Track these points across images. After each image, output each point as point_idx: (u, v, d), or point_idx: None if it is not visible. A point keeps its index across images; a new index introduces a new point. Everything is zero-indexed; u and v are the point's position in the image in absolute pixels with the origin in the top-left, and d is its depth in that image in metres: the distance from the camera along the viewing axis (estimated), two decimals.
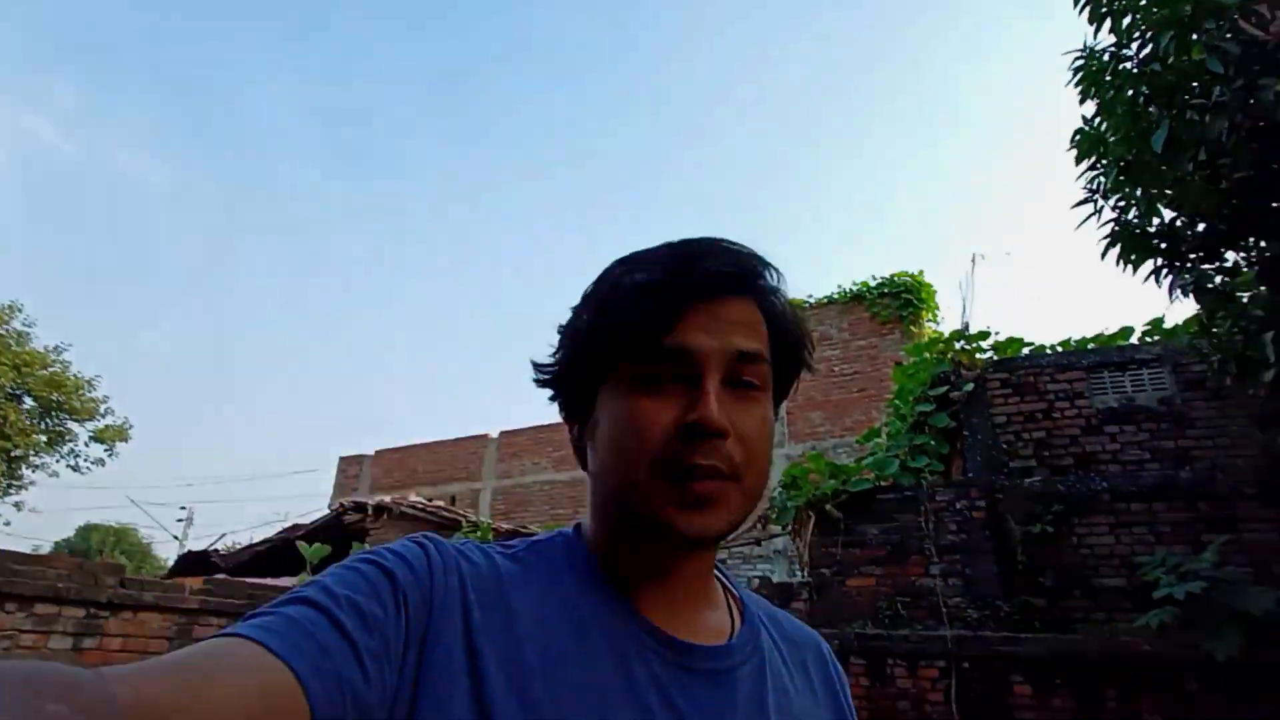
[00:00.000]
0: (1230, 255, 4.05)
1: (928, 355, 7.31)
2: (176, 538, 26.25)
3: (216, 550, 10.57)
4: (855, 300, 11.64)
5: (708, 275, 0.60)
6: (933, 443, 6.73)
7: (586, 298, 0.65)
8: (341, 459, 16.09)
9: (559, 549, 0.66)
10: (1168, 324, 6.54)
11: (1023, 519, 6.14)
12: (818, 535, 6.47)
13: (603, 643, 0.60)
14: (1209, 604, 5.04)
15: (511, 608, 0.59)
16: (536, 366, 0.68)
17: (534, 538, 0.68)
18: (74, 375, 21.21)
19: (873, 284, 11.58)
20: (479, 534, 6.27)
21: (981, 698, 5.39)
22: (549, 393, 0.69)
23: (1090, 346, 6.75)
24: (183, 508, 28.46)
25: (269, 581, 5.29)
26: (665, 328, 0.59)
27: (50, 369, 20.51)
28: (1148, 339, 6.70)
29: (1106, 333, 6.84)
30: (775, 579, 7.02)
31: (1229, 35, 3.29)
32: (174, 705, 0.39)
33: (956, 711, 5.38)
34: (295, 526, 10.69)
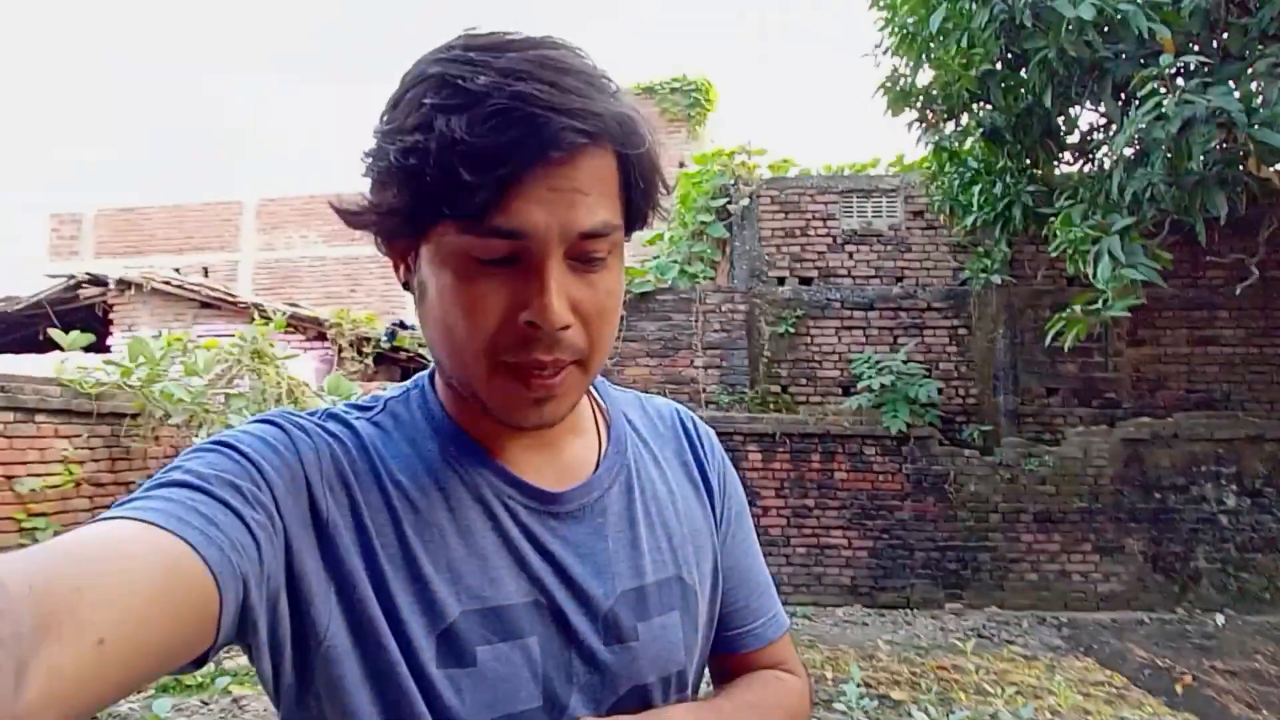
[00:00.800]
0: (964, 119, 4.84)
1: (713, 167, 7.82)
2: None
3: None
4: (647, 93, 11.66)
5: (539, 136, 0.49)
6: (708, 251, 7.47)
7: (389, 121, 0.53)
8: (53, 216, 13.62)
9: (414, 407, 0.63)
10: (907, 160, 7.58)
11: (772, 321, 7.25)
12: None
13: (470, 503, 0.59)
14: (894, 391, 6.57)
15: (382, 481, 0.58)
16: (342, 214, 0.57)
17: (387, 395, 0.65)
18: None
19: (664, 80, 11.63)
20: (271, 326, 6.03)
21: None
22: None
23: (846, 173, 7.67)
24: None
25: (18, 370, 4.79)
26: (489, 205, 0.50)
27: None
28: (890, 169, 7.76)
29: (859, 163, 7.77)
30: None
31: None
32: (71, 586, 0.38)
33: None
34: (10, 299, 9.26)
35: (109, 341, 8.39)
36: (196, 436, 4.74)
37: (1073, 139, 5.59)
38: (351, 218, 0.57)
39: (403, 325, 8.40)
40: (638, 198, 0.57)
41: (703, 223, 7.46)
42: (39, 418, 4.64)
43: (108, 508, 0.48)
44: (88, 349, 5.43)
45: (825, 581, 6.54)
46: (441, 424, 0.62)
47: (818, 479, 6.63)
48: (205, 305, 8.72)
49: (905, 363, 6.77)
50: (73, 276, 8.97)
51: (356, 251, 12.74)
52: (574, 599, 0.60)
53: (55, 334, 5.06)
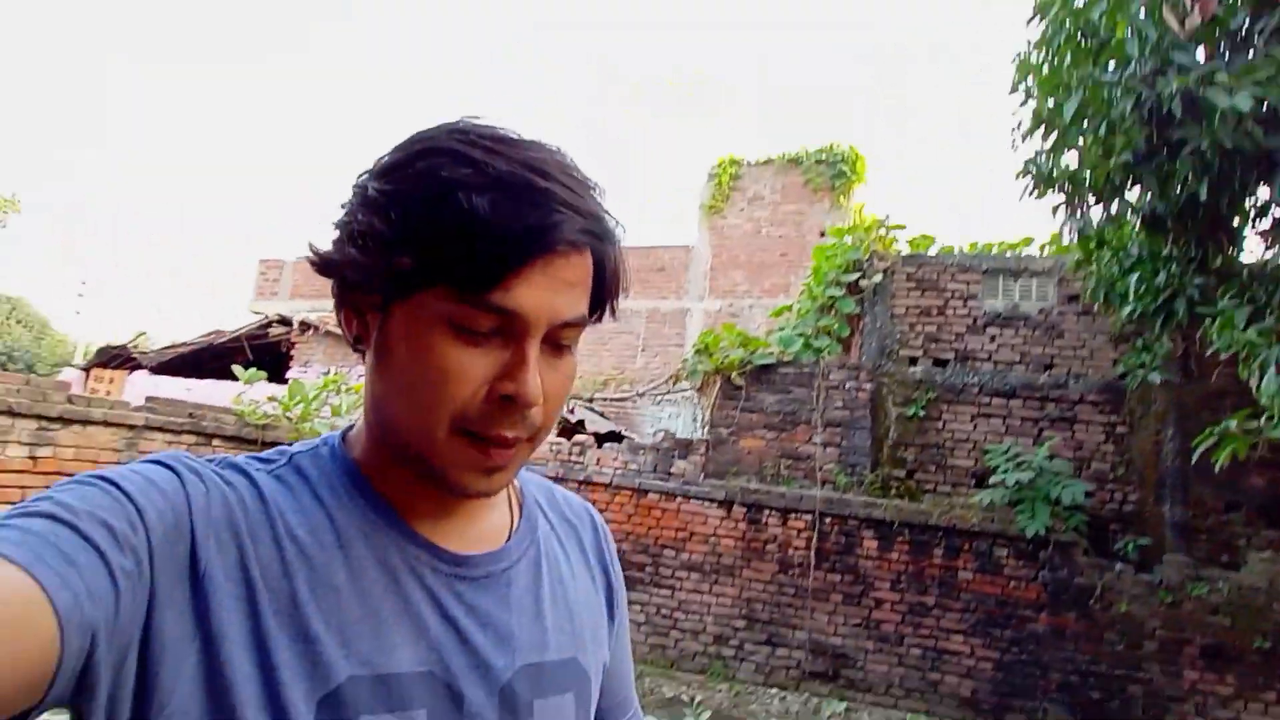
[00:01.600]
0: (1115, 204, 4.47)
1: (848, 240, 7.70)
2: (79, 313, 25.71)
3: (137, 347, 10.55)
4: (791, 164, 11.73)
5: (555, 228, 0.53)
6: (836, 325, 7.31)
7: (392, 184, 0.54)
8: (261, 262, 15.71)
9: (324, 463, 0.61)
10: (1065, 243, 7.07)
11: (901, 402, 6.93)
12: (721, 398, 7.13)
13: (373, 564, 0.57)
14: (1033, 489, 6.02)
15: (278, 534, 0.55)
16: (318, 259, 0.58)
17: (293, 450, 0.63)
18: None
19: (811, 150, 11.67)
20: None
21: (836, 546, 6.40)
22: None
23: (992, 252, 7.27)
24: (83, 282, 27.57)
25: (207, 403, 5.53)
26: (494, 283, 0.52)
27: None
28: (1043, 250, 7.27)
29: (1009, 242, 7.35)
30: (678, 433, 7.72)
31: (1151, 18, 3.45)
32: None
33: (813, 556, 6.40)
34: (217, 332, 10.71)
35: (286, 375, 9.48)
36: None
37: (1262, 224, 4.99)
38: (329, 267, 0.58)
39: None
40: (603, 295, 0.60)
41: (832, 296, 7.32)
42: (215, 442, 5.33)
43: None
44: (271, 380, 6.18)
45: (942, 690, 6.00)
46: (352, 482, 0.61)
47: (939, 576, 6.16)
48: None
49: (1050, 459, 6.20)
50: (266, 316, 10.25)
51: None
52: (473, 669, 0.58)
53: (237, 369, 5.80)
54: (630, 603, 6.71)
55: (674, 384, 8.61)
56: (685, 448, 7.07)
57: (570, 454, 7.36)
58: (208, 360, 10.96)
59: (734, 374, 7.03)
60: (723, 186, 12.32)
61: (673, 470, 7.00)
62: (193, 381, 9.55)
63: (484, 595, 0.62)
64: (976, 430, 6.79)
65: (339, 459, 0.62)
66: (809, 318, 7.40)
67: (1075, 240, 5.17)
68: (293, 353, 10.17)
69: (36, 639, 0.40)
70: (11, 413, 4.11)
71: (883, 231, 7.66)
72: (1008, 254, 7.26)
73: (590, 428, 9.48)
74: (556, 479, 7.25)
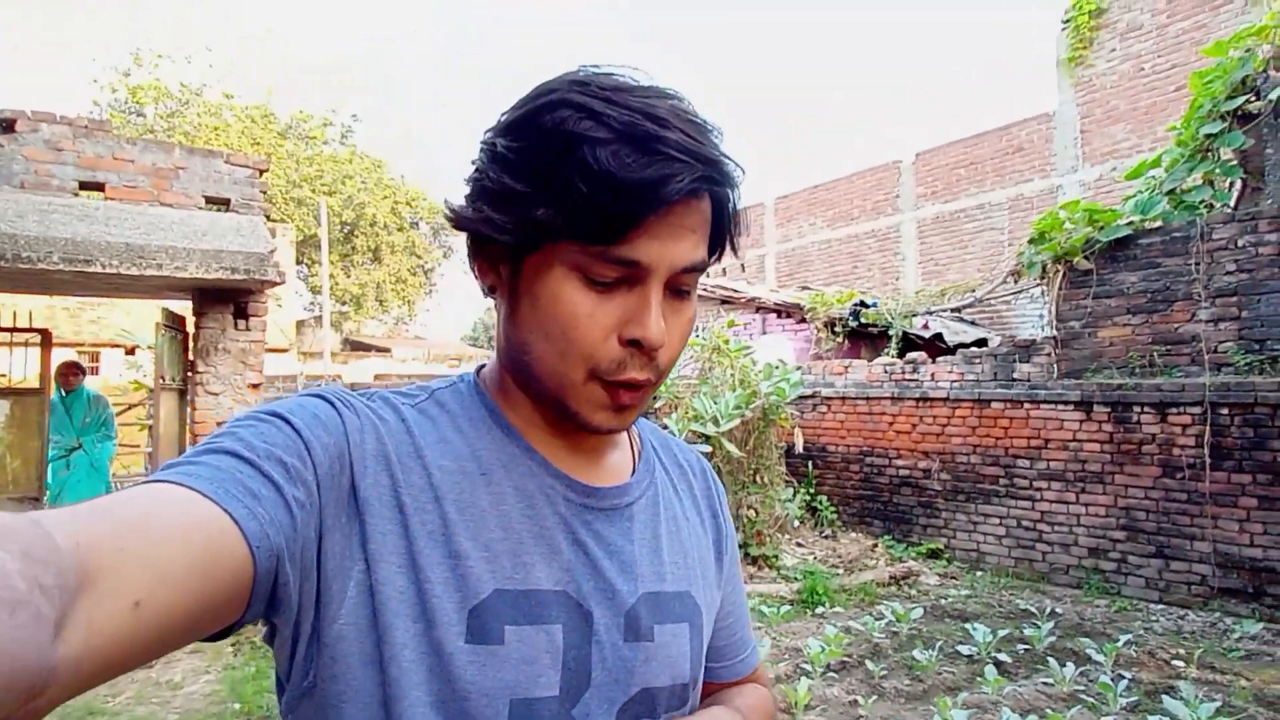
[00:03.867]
0: None
1: (1234, 55, 5.97)
2: None
3: None
4: None
5: (676, 178, 0.54)
6: (1219, 171, 5.79)
7: (521, 139, 0.57)
8: None
9: (464, 399, 0.66)
10: None
11: None
12: (1067, 287, 6.27)
13: (511, 492, 0.61)
14: None
15: (426, 463, 0.59)
16: (454, 215, 0.62)
17: (433, 386, 0.68)
18: (445, 201, 26.12)
19: None
20: (724, 324, 7.21)
21: (1241, 441, 5.23)
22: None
23: None
24: None
25: None
26: (620, 235, 0.55)
27: (427, 201, 25.41)
28: None
29: None
30: (1023, 335, 7.01)
31: None
32: (114, 546, 0.39)
33: (1208, 453, 5.33)
34: None
35: None
36: (668, 419, 6.19)
37: None
38: (464, 221, 0.61)
39: (864, 304, 8.77)
40: (723, 238, 0.63)
41: (1208, 135, 5.80)
42: None
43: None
44: None
45: None
46: (491, 416, 0.65)
47: None
48: (724, 302, 10.61)
49: None
50: None
51: (855, 230, 13.41)
52: (600, 592, 0.62)
53: None
54: (987, 516, 6.49)
55: (1015, 281, 7.70)
56: (1028, 349, 6.42)
57: (904, 372, 7.26)
58: None
59: (1078, 258, 6.12)
60: (1082, 30, 10.21)
61: (1015, 376, 6.44)
62: None
63: (610, 526, 0.65)
64: None
65: (478, 395, 0.66)
66: (1178, 170, 5.99)
67: None
68: None
69: (236, 566, 0.45)
70: None
71: None
72: None
73: (953, 339, 9.01)
74: (892, 399, 7.26)
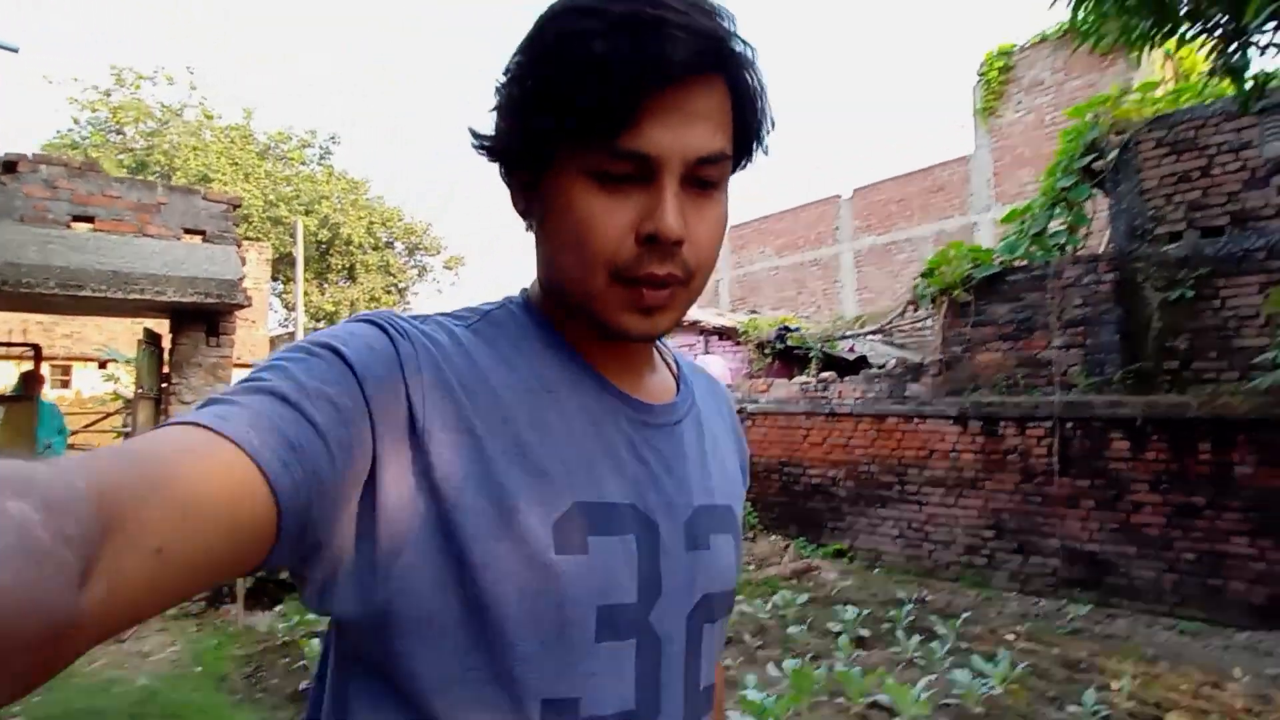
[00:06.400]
0: None
1: (1087, 118, 6.93)
2: None
3: None
4: (1069, 32, 10.21)
5: (674, 54, 0.52)
6: (1073, 217, 6.72)
7: (527, 53, 0.57)
8: None
9: (518, 318, 0.66)
10: None
11: (1162, 286, 6.16)
12: (950, 316, 7.15)
13: (577, 409, 0.62)
14: None
15: (491, 384, 0.59)
16: (475, 137, 0.62)
17: (483, 308, 0.67)
18: (419, 221, 27.04)
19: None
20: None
21: (1081, 451, 6.10)
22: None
23: (1270, 85, 5.92)
24: None
25: None
26: (621, 124, 0.53)
27: (403, 221, 26.16)
28: None
29: None
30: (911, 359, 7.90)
31: None
32: (135, 493, 0.39)
33: (1057, 462, 6.20)
34: None
35: None
36: None
37: None
38: (486, 144, 0.62)
39: (788, 329, 9.64)
40: (747, 130, 0.60)
41: (1063, 188, 6.74)
42: None
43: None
44: None
45: (1226, 597, 5.39)
46: (548, 335, 0.65)
47: (1209, 473, 5.50)
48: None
49: None
50: None
51: (800, 258, 14.35)
52: (662, 504, 0.64)
53: None
54: (884, 518, 7.31)
55: (915, 310, 8.60)
56: (917, 370, 7.29)
57: (816, 390, 8.10)
58: None
59: (957, 291, 7.01)
60: (993, 84, 11.28)
61: (907, 394, 7.29)
62: None
63: (665, 441, 0.67)
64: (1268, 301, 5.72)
65: (531, 313, 0.67)
66: (1040, 216, 6.92)
67: None
68: None
69: (260, 518, 0.44)
70: None
71: (1133, 97, 6.73)
72: None
73: (877, 361, 9.86)
74: (806, 415, 8.09)
